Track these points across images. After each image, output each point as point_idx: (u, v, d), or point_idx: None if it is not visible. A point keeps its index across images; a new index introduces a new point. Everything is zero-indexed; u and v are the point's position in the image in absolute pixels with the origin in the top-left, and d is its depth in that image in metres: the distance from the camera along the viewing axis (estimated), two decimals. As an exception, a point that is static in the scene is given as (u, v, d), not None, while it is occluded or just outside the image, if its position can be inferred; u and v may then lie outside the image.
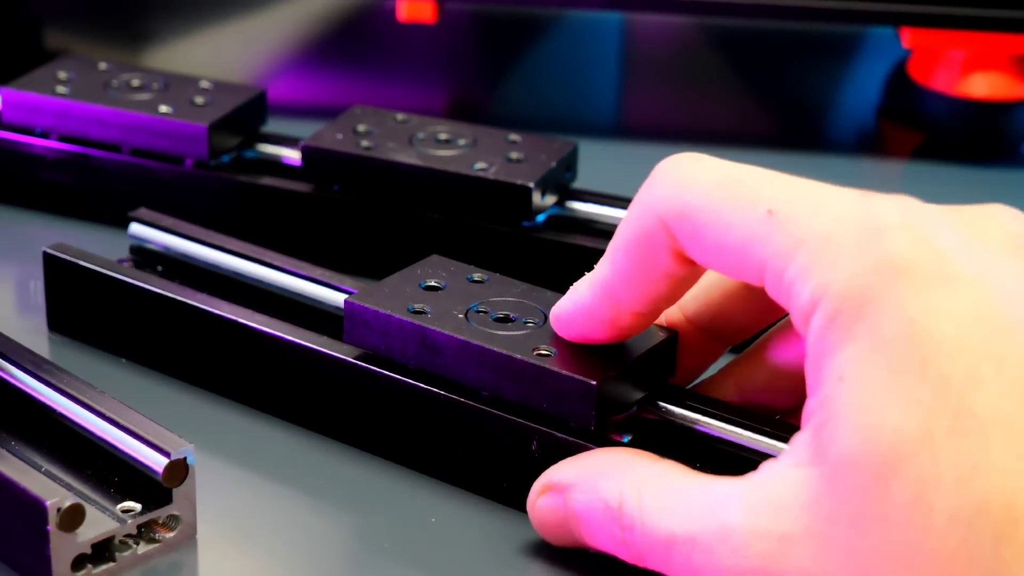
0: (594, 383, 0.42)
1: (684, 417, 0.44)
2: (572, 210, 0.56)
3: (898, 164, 0.70)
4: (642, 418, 0.45)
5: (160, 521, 0.43)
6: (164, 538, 0.43)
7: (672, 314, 0.45)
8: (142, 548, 0.43)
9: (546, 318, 0.45)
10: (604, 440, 0.44)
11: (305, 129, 0.60)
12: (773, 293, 0.39)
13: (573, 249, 0.54)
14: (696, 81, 0.78)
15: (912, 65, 0.73)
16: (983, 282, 0.37)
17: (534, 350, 0.44)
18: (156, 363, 0.52)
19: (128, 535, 0.43)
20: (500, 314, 0.46)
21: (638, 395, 0.44)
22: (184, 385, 0.51)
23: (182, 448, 0.43)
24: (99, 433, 0.44)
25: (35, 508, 0.41)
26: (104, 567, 0.42)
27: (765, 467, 0.38)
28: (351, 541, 0.46)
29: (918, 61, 0.72)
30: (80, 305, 0.53)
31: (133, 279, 0.51)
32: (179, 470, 0.43)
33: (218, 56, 0.79)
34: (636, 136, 0.73)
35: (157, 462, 0.42)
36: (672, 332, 0.45)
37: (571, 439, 0.43)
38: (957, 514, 0.35)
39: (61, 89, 0.60)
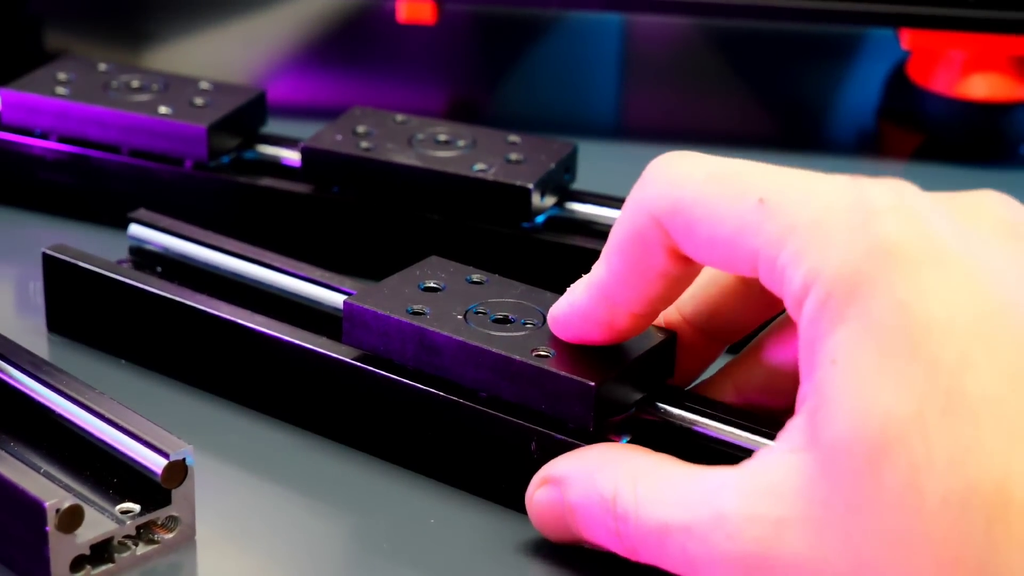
0: (593, 384, 0.42)
1: (683, 418, 0.44)
2: (571, 211, 0.56)
3: (898, 165, 0.70)
4: (641, 419, 0.45)
5: (159, 522, 0.43)
6: (163, 539, 0.43)
7: (670, 314, 0.45)
8: (141, 549, 0.43)
9: (545, 319, 0.45)
10: (602, 441, 0.44)
11: (305, 130, 0.60)
12: (766, 281, 0.39)
13: (572, 250, 0.54)
14: (696, 82, 0.78)
15: (911, 66, 0.73)
16: (974, 264, 0.37)
17: (533, 351, 0.44)
18: (155, 364, 0.52)
19: (127, 536, 0.43)
20: (499, 315, 0.46)
21: (637, 396, 0.44)
22: (183, 386, 0.51)
23: (181, 449, 0.43)
24: (98, 434, 0.44)
25: (34, 509, 0.41)
26: (103, 568, 0.42)
27: (760, 454, 0.39)
28: (350, 542, 0.46)
29: (917, 62, 0.72)
30: (79, 306, 0.53)
31: (132, 280, 0.52)
32: (178, 471, 0.43)
33: (218, 57, 0.79)
34: (635, 137, 0.73)
35: (156, 463, 0.42)
36: (671, 333, 0.45)
37: (570, 440, 0.43)
38: (949, 496, 0.35)
39: (61, 90, 0.60)
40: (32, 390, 0.46)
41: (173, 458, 0.42)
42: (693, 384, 0.46)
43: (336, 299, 0.50)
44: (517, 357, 0.44)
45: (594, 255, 0.43)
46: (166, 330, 0.51)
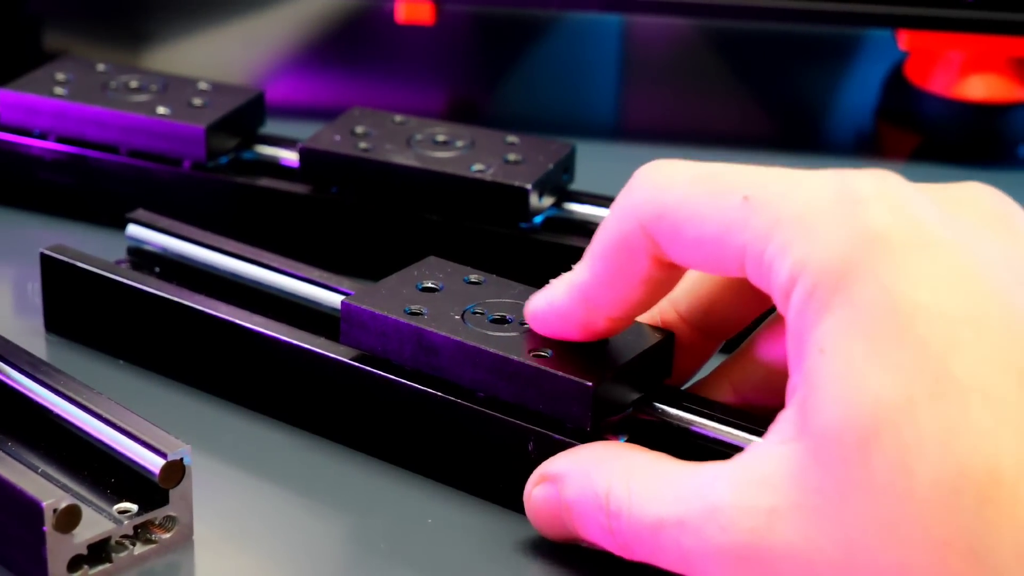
0: (590, 384, 0.42)
1: (680, 418, 0.44)
2: (570, 212, 0.57)
3: (896, 166, 0.70)
4: (638, 419, 0.45)
5: (156, 522, 0.43)
6: (160, 539, 0.43)
7: (665, 312, 0.45)
8: (138, 549, 0.43)
9: (543, 319, 0.45)
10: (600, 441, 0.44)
11: (303, 130, 0.60)
12: (754, 278, 0.39)
13: (570, 251, 0.54)
14: (694, 83, 0.78)
15: (909, 67, 0.73)
16: (959, 249, 0.37)
17: (530, 351, 0.44)
18: (153, 364, 0.52)
19: (124, 536, 0.43)
20: (497, 315, 0.46)
21: (634, 396, 0.44)
22: (181, 386, 0.51)
23: (178, 449, 0.43)
24: (96, 434, 0.44)
25: (31, 509, 0.41)
26: (100, 568, 0.42)
27: (752, 447, 0.39)
28: (348, 542, 0.46)
29: (915, 63, 0.72)
30: (77, 306, 0.53)
31: (130, 280, 0.52)
32: (175, 471, 0.43)
33: (217, 57, 0.79)
34: (634, 138, 0.73)
35: (153, 463, 0.43)
36: (668, 333, 0.45)
37: (567, 440, 0.43)
38: (939, 478, 0.35)
39: (59, 90, 0.60)
40: (30, 390, 0.46)
41: (171, 458, 0.42)
42: (689, 383, 0.46)
43: (334, 299, 0.50)
44: (515, 357, 0.44)
45: (592, 256, 0.43)
46: (164, 330, 0.51)
